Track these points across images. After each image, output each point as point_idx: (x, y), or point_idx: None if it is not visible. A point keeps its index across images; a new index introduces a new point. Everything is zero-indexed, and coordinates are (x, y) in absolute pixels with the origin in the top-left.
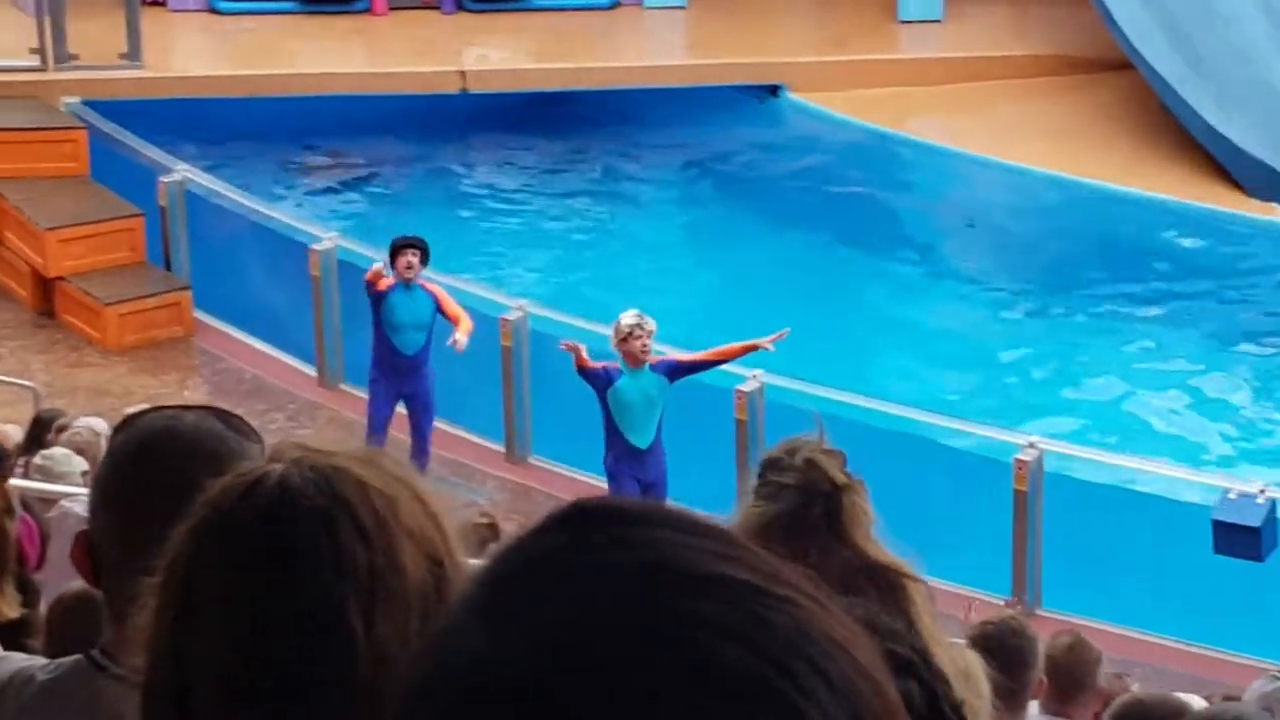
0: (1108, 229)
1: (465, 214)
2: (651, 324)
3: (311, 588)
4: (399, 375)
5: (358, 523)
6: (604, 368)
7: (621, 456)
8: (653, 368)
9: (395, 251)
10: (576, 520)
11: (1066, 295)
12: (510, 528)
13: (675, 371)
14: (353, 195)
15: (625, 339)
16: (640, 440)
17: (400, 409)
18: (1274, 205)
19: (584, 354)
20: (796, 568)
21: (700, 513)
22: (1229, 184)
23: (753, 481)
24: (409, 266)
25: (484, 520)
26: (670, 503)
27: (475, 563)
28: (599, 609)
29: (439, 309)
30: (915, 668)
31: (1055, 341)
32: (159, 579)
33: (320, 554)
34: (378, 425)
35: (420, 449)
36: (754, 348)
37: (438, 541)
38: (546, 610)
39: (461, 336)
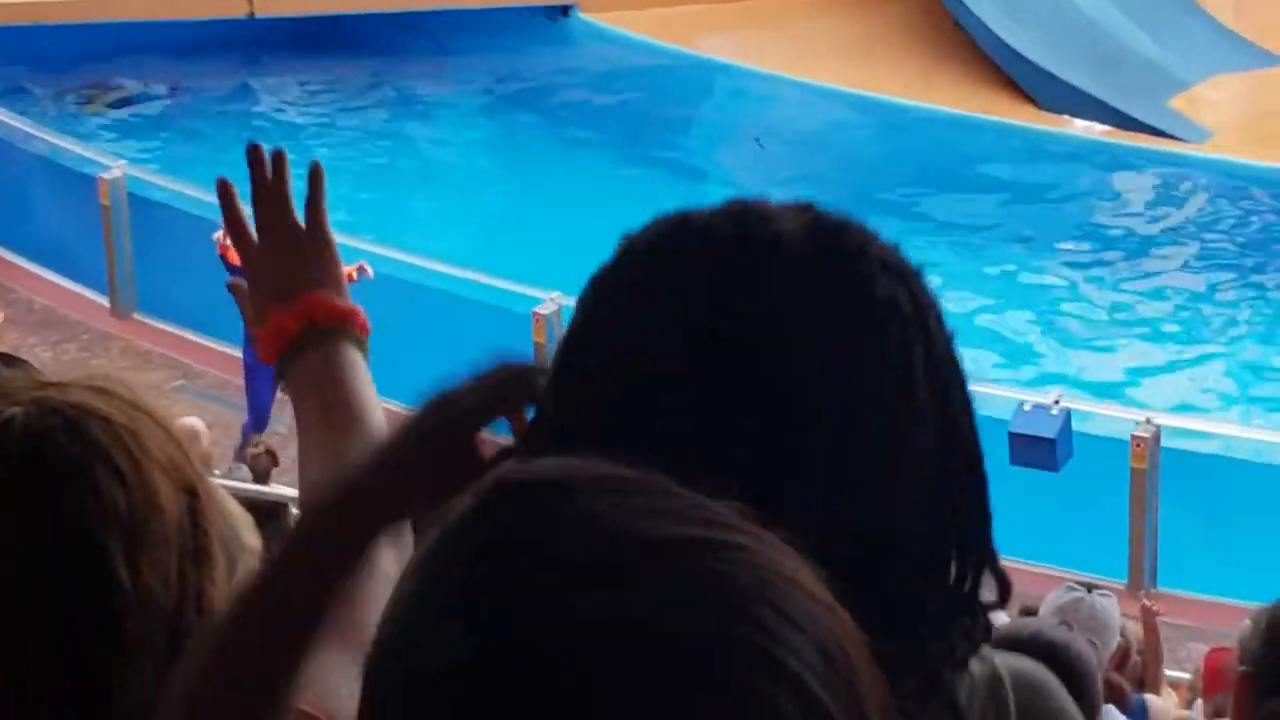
0: (901, 144)
1: (258, 140)
2: None
3: (75, 543)
4: None
5: (113, 466)
6: None
7: None
8: None
9: None
10: (511, 499)
11: (860, 212)
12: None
13: None
14: (142, 123)
15: None
16: None
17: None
18: (1065, 117)
19: None
20: (726, 503)
21: (620, 467)
22: (1020, 97)
23: None
24: None
25: (261, 449)
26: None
27: (261, 489)
28: (568, 600)
29: None
30: None
31: None
32: None
33: (82, 507)
34: (263, 409)
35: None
36: None
37: (187, 468)
38: (514, 608)
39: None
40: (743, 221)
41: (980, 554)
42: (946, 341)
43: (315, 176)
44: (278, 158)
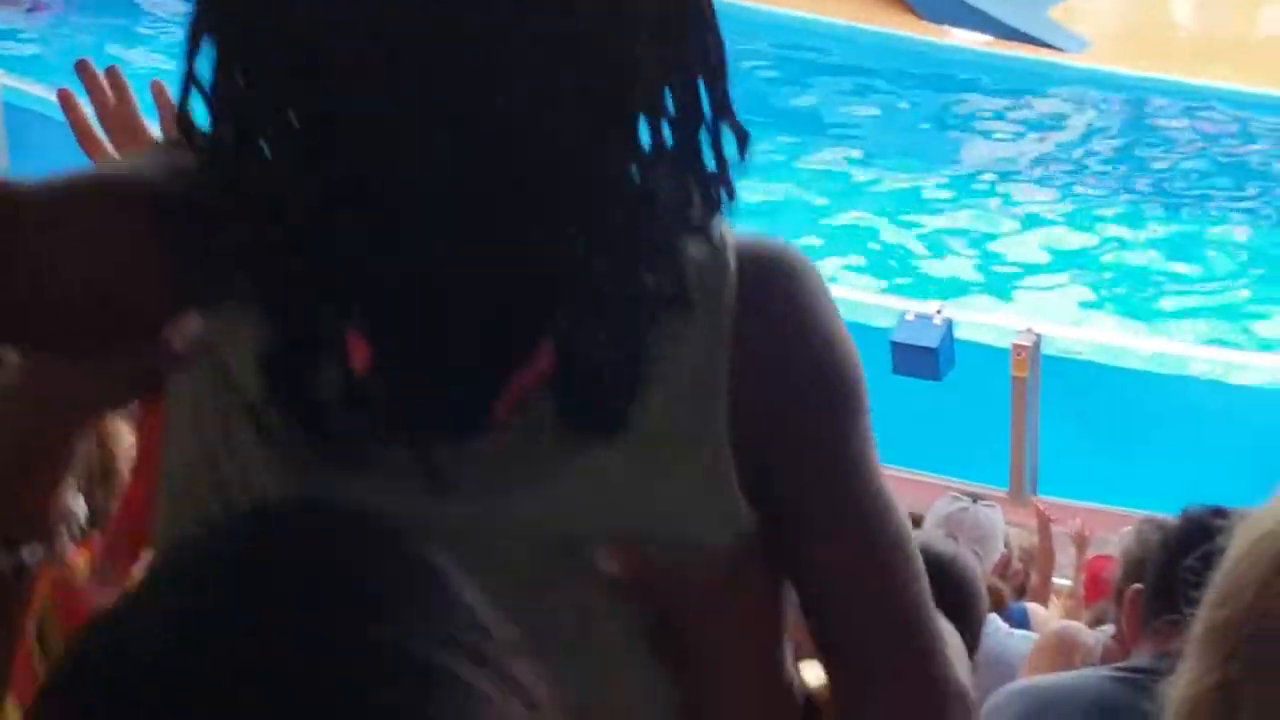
0: (778, 54)
1: (145, 45)
2: None
3: None
4: None
5: None
6: None
7: None
8: None
9: None
10: (270, 529)
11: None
12: None
13: None
14: (15, 32)
15: None
16: None
17: None
18: (945, 27)
19: None
20: (497, 629)
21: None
22: (901, 7)
23: None
24: None
25: None
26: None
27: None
28: (285, 634)
29: None
30: None
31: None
32: None
33: None
34: None
35: None
36: None
37: None
38: (234, 639)
39: None
40: None
41: (715, 99)
42: None
43: (161, 99)
44: (113, 76)
